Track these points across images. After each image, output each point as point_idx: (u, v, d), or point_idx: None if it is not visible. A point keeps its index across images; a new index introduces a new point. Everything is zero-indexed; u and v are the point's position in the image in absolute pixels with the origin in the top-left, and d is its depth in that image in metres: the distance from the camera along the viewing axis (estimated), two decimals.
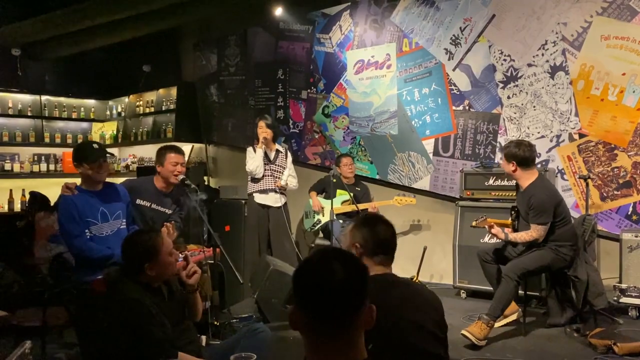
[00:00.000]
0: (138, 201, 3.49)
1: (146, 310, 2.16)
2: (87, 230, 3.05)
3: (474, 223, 3.83)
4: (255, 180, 4.76)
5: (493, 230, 3.60)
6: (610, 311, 3.64)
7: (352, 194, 4.85)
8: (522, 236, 3.52)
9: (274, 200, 4.76)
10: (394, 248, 1.94)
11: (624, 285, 3.76)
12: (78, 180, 3.22)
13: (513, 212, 3.77)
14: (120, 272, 2.46)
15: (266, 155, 4.77)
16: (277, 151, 4.84)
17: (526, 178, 3.58)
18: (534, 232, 3.47)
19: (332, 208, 4.57)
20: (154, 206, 3.55)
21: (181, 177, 3.56)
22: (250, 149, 4.80)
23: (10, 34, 6.31)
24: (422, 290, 1.93)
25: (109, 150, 3.34)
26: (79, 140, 7.33)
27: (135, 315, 2.16)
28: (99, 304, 2.43)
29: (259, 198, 4.76)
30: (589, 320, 3.53)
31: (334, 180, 4.67)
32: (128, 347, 2.12)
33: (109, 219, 3.13)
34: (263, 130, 4.68)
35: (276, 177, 4.75)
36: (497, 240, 3.81)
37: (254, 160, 4.71)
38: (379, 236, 1.92)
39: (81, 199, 3.07)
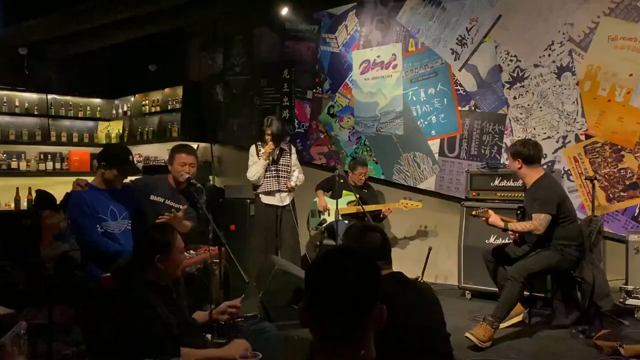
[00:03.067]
0: (152, 197, 3.50)
1: (148, 309, 2.17)
2: (98, 226, 3.06)
3: (474, 212, 3.82)
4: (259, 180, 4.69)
5: (491, 219, 3.59)
6: (616, 313, 3.64)
7: (357, 196, 4.82)
8: (522, 225, 3.51)
9: (279, 199, 4.68)
10: (389, 250, 1.93)
11: (630, 287, 3.76)
12: (84, 179, 3.23)
13: (519, 212, 3.77)
14: (129, 265, 2.47)
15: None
16: (282, 150, 4.73)
17: (531, 176, 3.59)
18: (535, 220, 3.44)
19: (337, 208, 4.55)
20: (167, 202, 3.55)
21: (186, 176, 3.57)
22: (252, 150, 4.73)
23: (16, 34, 6.34)
24: (428, 290, 1.93)
25: None
26: (86, 139, 7.38)
27: (137, 313, 2.16)
28: (105, 301, 2.43)
29: (265, 199, 4.70)
30: (595, 321, 3.52)
31: (341, 181, 4.64)
32: (131, 345, 2.12)
33: (117, 217, 3.14)
34: (269, 146, 4.56)
35: (281, 176, 4.67)
36: (503, 241, 3.80)
37: (255, 166, 4.64)
38: (370, 246, 1.88)
39: (92, 195, 3.08)
